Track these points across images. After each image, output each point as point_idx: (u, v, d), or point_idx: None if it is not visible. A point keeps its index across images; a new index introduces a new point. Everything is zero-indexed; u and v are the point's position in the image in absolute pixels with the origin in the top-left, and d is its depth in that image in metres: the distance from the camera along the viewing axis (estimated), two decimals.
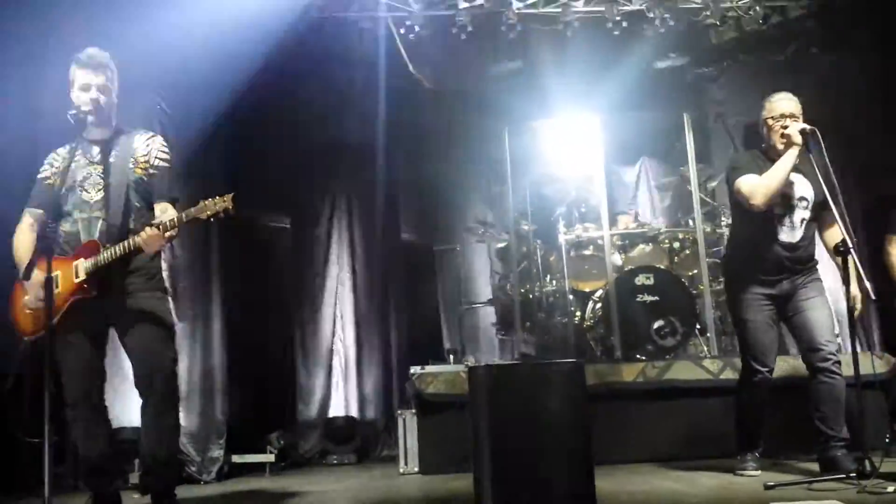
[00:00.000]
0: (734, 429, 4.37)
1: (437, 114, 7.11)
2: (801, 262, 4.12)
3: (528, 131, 6.59)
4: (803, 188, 4.14)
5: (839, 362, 3.99)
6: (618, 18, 6.12)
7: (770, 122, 4.17)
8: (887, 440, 4.46)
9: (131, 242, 3.35)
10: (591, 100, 6.28)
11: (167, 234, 3.34)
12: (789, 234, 4.10)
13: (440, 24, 6.21)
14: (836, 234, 3.93)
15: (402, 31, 6.18)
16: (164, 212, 3.52)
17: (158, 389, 3.46)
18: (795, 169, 4.16)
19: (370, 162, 6.83)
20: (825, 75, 6.33)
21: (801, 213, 4.12)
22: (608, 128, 6.18)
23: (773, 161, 4.16)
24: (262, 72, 5.69)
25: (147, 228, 3.34)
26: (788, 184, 4.11)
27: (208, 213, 3.30)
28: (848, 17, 6.10)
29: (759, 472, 4.14)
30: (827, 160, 3.92)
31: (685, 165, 6.04)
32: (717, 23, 6.18)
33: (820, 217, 4.15)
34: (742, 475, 4.14)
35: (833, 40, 6.33)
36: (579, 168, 6.47)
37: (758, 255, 4.09)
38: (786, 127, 4.09)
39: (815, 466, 4.08)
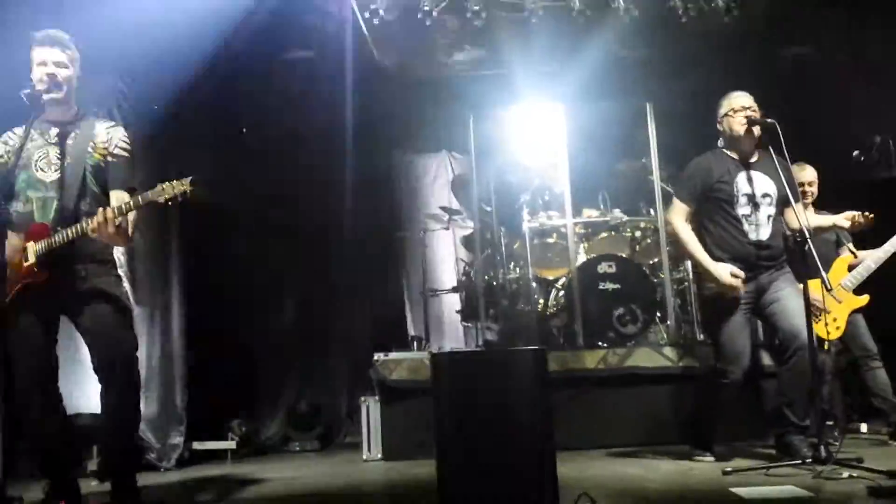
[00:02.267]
0: (690, 425, 4.44)
1: (402, 100, 7.05)
2: (772, 259, 4.18)
3: (492, 118, 6.57)
4: (765, 185, 4.20)
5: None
6: (582, 7, 6.11)
7: (732, 113, 4.23)
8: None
9: (82, 226, 3.29)
10: (555, 88, 6.29)
11: (121, 221, 3.27)
12: (756, 232, 4.16)
13: (405, 8, 6.15)
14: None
15: (366, 14, 6.11)
16: (120, 200, 3.45)
17: (120, 375, 3.41)
18: (755, 166, 4.22)
19: (334, 148, 6.76)
20: (788, 69, 6.41)
21: (767, 210, 4.18)
22: (571, 116, 6.19)
23: (737, 153, 4.21)
24: (222, 56, 5.59)
25: (99, 210, 3.27)
26: (749, 183, 4.18)
27: (166, 196, 3.22)
28: (813, 10, 6.14)
29: (713, 458, 4.22)
30: (786, 155, 3.97)
31: (647, 156, 6.07)
32: (682, 13, 6.19)
33: (785, 212, 4.24)
34: (700, 461, 4.22)
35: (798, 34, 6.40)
36: (543, 156, 6.47)
37: (730, 256, 4.15)
38: (747, 117, 4.15)
39: (771, 452, 4.16)
